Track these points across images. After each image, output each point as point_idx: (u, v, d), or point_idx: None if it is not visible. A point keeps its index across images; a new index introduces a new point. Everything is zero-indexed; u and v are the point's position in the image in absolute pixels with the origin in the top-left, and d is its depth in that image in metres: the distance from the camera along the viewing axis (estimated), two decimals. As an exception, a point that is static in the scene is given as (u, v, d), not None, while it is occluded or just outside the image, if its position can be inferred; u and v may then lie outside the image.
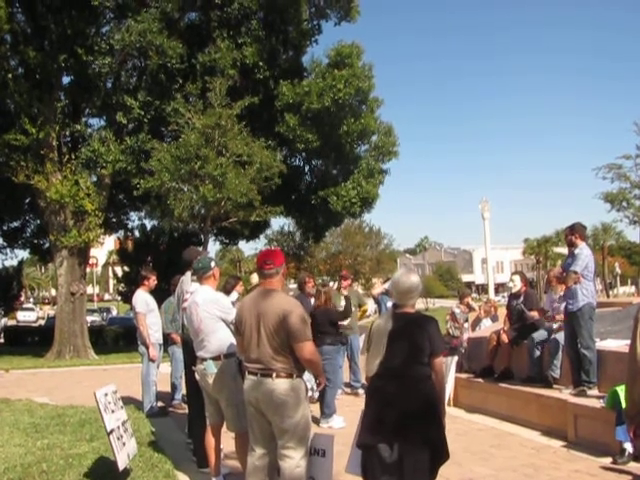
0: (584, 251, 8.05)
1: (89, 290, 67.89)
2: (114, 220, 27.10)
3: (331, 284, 14.34)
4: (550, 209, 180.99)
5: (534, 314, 9.19)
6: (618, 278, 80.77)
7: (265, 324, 4.70)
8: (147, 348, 9.53)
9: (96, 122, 23.22)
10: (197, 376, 5.83)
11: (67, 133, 21.55)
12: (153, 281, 9.82)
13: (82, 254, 21.88)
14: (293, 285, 30.90)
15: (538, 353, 8.89)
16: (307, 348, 4.68)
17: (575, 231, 8.19)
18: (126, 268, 30.97)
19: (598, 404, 7.38)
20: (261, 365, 4.73)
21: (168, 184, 19.27)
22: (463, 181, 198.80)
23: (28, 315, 56.09)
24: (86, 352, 21.52)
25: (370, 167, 23.96)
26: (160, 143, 20.14)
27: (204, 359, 5.66)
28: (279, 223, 55.06)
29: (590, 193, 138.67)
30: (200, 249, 6.59)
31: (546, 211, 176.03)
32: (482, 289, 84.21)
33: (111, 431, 5.68)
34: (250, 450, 4.95)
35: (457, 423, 8.58)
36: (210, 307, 5.65)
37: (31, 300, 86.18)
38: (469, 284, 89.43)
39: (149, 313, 9.58)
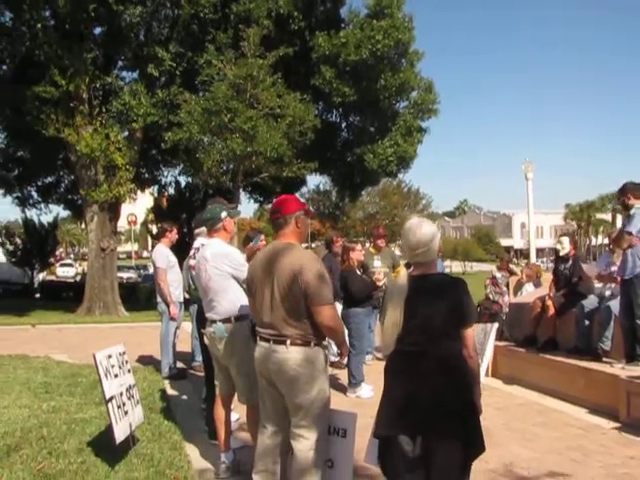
0: (638, 212, 7.23)
1: (128, 247, 68.54)
2: (146, 176, 26.64)
3: (367, 245, 13.63)
4: (593, 174, 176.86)
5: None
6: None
7: (278, 283, 4.02)
8: (168, 306, 9.01)
9: (127, 75, 22.66)
10: (206, 340, 5.22)
11: (98, 85, 20.89)
12: (173, 234, 9.23)
13: (113, 209, 21.55)
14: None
15: (587, 322, 8.12)
16: (327, 312, 4.00)
17: (627, 191, 7.34)
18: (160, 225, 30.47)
19: (655, 381, 6.65)
20: (274, 331, 4.07)
21: (197, 137, 18.68)
22: (504, 143, 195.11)
23: (67, 271, 56.71)
24: (116, 309, 21.38)
25: (408, 125, 23.02)
26: (189, 95, 19.46)
27: (213, 321, 5.03)
28: (315, 182, 54.41)
29: (635, 160, 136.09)
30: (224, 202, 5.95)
31: (589, 176, 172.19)
32: (520, 254, 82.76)
33: (110, 398, 5.12)
34: (261, 427, 4.33)
35: (495, 396, 7.87)
36: (220, 263, 4.98)
37: (71, 256, 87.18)
38: (508, 248, 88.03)
39: (170, 269, 9.02)
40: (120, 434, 5.11)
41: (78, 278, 44.23)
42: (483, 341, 8.86)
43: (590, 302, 8.18)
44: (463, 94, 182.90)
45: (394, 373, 3.58)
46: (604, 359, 7.75)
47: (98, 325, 16.96)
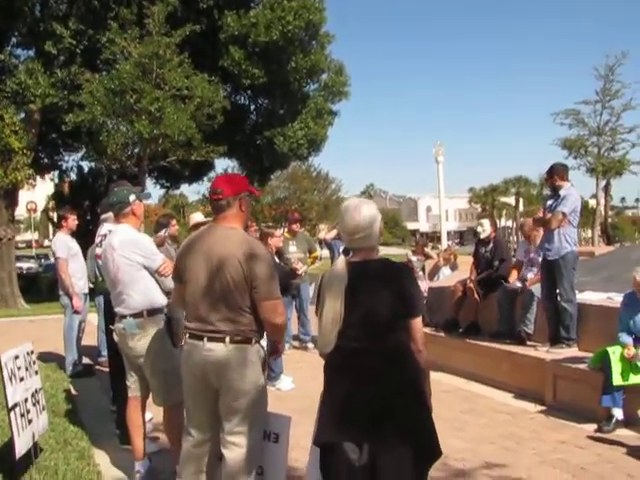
0: (572, 192, 7.12)
1: (28, 236, 65.54)
2: (46, 161, 25.28)
3: (279, 231, 13.29)
4: (496, 158, 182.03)
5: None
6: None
7: (220, 273, 3.55)
8: (70, 299, 8.35)
9: (23, 52, 21.23)
10: (115, 337, 4.70)
11: (-12, 63, 19.65)
12: (72, 221, 8.55)
13: (9, 196, 20.21)
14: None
15: (509, 306, 8.03)
16: (274, 308, 3.60)
17: (554, 172, 7.23)
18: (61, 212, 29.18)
19: (581, 364, 6.55)
20: (210, 326, 3.59)
21: (100, 119, 17.75)
22: (411, 129, 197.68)
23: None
24: (15, 301, 20.11)
25: (319, 107, 22.81)
26: (92, 74, 18.45)
27: (123, 316, 4.52)
28: (223, 165, 53.49)
29: (537, 144, 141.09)
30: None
31: (492, 160, 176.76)
32: (427, 237, 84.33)
33: (14, 406, 4.46)
34: (186, 434, 3.81)
35: (420, 383, 7.65)
36: (129, 251, 4.48)
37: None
38: (414, 232, 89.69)
39: (71, 258, 8.36)
40: (22, 447, 4.46)
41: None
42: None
43: (512, 285, 8.08)
44: (375, 79, 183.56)
45: (335, 372, 3.18)
46: (528, 342, 7.64)
47: (-5, 319, 15.88)
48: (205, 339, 3.59)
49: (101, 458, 5.21)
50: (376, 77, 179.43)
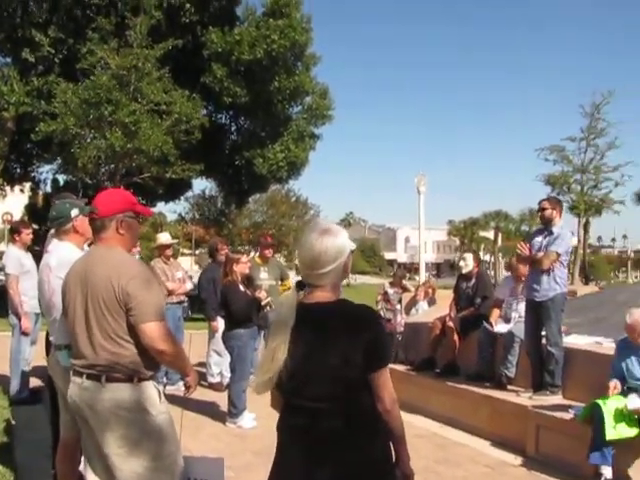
0: (566, 230, 6.70)
1: (2, 247, 64.42)
2: (19, 171, 24.60)
3: (252, 253, 12.70)
4: (477, 191, 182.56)
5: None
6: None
7: (92, 298, 3.10)
8: (19, 318, 7.73)
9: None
10: (50, 370, 4.11)
11: (-37, 68, 19.07)
12: (26, 235, 7.93)
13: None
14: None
15: (490, 347, 7.54)
16: (153, 331, 3.08)
17: (554, 205, 6.80)
18: (35, 225, 28.43)
19: (566, 413, 6.06)
20: (87, 361, 3.12)
21: (73, 130, 17.14)
22: (392, 158, 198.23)
23: None
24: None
25: (301, 130, 22.36)
26: (67, 83, 17.87)
27: (59, 347, 3.94)
28: (201, 185, 52.89)
29: (518, 180, 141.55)
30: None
31: (472, 193, 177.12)
32: (404, 267, 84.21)
33: None
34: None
35: (392, 426, 7.10)
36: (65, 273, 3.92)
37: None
38: (391, 262, 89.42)
39: (23, 275, 7.72)
40: None
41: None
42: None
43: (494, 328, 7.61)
44: (359, 106, 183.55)
45: (288, 439, 2.56)
46: (509, 387, 7.15)
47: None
48: (84, 375, 3.16)
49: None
50: (360, 104, 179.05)
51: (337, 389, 2.42)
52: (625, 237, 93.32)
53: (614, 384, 5.61)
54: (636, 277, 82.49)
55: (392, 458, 2.55)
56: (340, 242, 2.54)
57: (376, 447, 2.49)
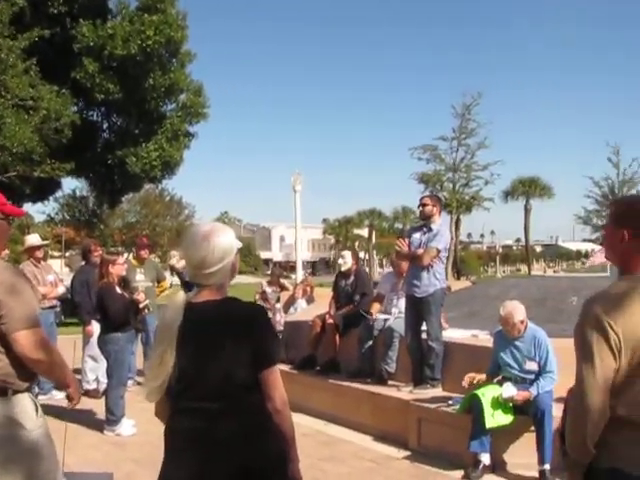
0: (445, 227, 6.89)
1: None
2: None
3: (126, 255, 12.34)
4: (350, 190, 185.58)
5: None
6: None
7: None
8: None
9: None
10: None
11: None
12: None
13: None
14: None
15: (370, 343, 7.63)
16: (25, 339, 2.90)
17: (437, 202, 7.00)
18: None
19: (446, 406, 6.24)
20: None
21: None
22: (267, 157, 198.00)
23: None
24: None
25: (175, 128, 21.82)
26: None
27: None
28: (71, 185, 50.83)
29: (392, 178, 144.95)
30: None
31: (345, 192, 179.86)
32: (280, 266, 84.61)
33: None
34: None
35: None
36: None
37: None
38: (267, 261, 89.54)
39: None
40: None
41: None
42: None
43: (374, 318, 7.71)
44: (235, 104, 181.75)
45: (181, 443, 2.47)
46: (390, 382, 7.27)
47: None
48: None
49: None
50: (236, 102, 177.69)
51: (227, 388, 2.42)
52: (493, 233, 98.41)
53: (472, 376, 5.93)
54: (504, 271, 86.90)
55: (280, 463, 2.51)
56: (227, 241, 2.55)
57: (270, 446, 2.47)
